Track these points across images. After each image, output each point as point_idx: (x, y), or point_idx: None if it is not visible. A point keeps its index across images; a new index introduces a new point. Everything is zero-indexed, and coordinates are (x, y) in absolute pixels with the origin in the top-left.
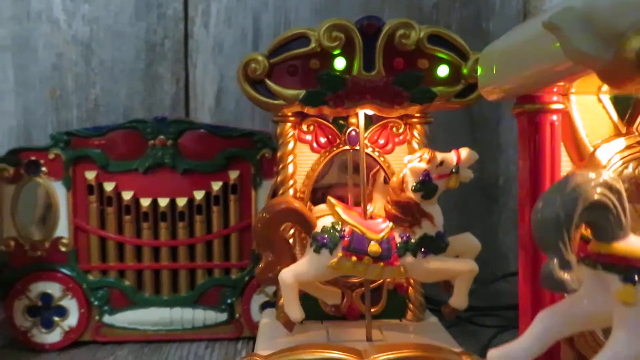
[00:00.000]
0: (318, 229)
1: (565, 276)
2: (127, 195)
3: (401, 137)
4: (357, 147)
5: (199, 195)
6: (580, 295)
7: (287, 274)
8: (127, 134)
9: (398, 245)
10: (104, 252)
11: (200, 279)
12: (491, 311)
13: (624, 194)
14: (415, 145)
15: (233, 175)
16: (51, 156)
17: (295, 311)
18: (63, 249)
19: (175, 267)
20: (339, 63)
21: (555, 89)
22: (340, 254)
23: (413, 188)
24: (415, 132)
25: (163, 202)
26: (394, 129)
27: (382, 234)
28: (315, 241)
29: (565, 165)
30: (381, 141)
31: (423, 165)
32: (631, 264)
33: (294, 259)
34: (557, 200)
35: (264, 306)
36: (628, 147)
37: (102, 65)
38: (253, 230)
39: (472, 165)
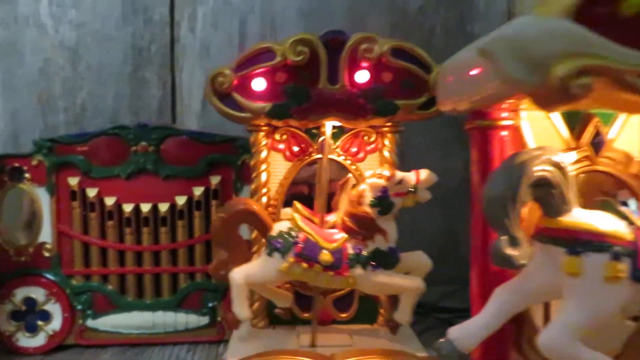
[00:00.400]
0: (274, 232)
1: (513, 252)
2: (109, 201)
3: (373, 146)
4: (330, 156)
5: (181, 200)
6: (531, 270)
7: (238, 274)
8: (109, 140)
9: (350, 256)
10: (87, 257)
11: (183, 283)
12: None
13: (568, 170)
14: (386, 154)
15: (214, 180)
16: (34, 162)
17: (242, 310)
18: (46, 254)
19: (158, 272)
20: (304, 77)
21: (504, 106)
22: (291, 260)
23: (370, 203)
24: (386, 141)
25: (145, 207)
26: (366, 138)
27: (335, 244)
28: (269, 244)
29: None
30: (353, 149)
31: (382, 182)
32: (575, 236)
33: (247, 260)
34: (501, 179)
35: None
36: (577, 161)
37: (89, 69)
38: (211, 228)
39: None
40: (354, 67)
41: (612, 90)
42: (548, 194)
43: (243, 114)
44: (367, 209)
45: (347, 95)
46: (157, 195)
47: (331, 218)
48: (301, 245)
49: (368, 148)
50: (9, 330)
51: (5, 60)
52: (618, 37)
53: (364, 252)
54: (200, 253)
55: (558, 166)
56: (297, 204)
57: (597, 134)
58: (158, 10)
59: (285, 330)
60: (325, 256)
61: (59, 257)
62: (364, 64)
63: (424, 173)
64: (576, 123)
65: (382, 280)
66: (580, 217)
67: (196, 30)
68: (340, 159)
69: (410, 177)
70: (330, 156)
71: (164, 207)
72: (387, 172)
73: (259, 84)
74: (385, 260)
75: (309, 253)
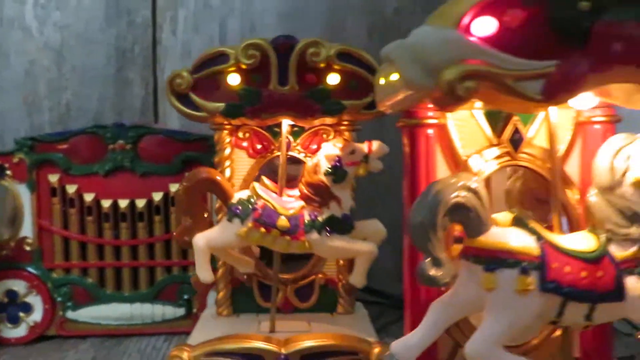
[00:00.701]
0: (234, 200)
1: (436, 273)
2: (88, 197)
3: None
4: (291, 153)
5: (157, 196)
6: (460, 285)
7: (200, 239)
8: (88, 138)
9: (306, 222)
10: (67, 251)
11: (160, 276)
12: None
13: (484, 194)
14: None
15: None
16: (15, 160)
17: (204, 273)
18: (28, 248)
19: (136, 265)
20: (256, 79)
21: (430, 105)
22: (250, 225)
23: (325, 172)
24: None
25: (123, 203)
26: (324, 135)
27: (292, 211)
28: (230, 211)
29: (445, 172)
30: (313, 146)
31: (336, 151)
32: (490, 254)
33: (209, 226)
34: (421, 207)
35: None
36: (498, 157)
37: (74, 70)
38: (175, 196)
39: None
40: (303, 69)
41: (496, 93)
42: (466, 217)
43: (200, 113)
44: (323, 177)
45: (296, 96)
46: (135, 192)
47: (293, 192)
48: (259, 211)
49: None
50: None
51: None
52: (501, 45)
53: (320, 218)
54: (177, 247)
55: (472, 191)
56: (265, 179)
57: (516, 131)
58: (140, 13)
59: (248, 318)
60: (283, 222)
61: (40, 251)
62: (312, 67)
63: (375, 144)
64: (498, 122)
65: (337, 245)
66: (494, 236)
67: (178, 33)
68: (301, 156)
69: (363, 147)
70: (291, 153)
71: (141, 203)
72: (340, 143)
73: (213, 85)
74: (339, 226)
75: (266, 219)
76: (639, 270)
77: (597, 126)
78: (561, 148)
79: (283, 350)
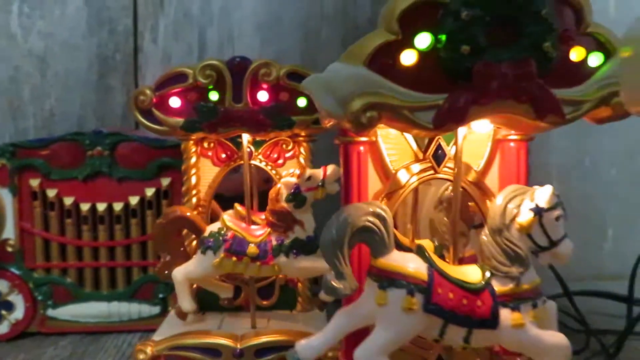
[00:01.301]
0: (206, 233)
1: (339, 285)
2: (68, 201)
3: (291, 153)
4: (253, 162)
5: (133, 200)
6: (362, 298)
7: (179, 272)
8: (67, 145)
9: (274, 247)
10: (47, 252)
11: (136, 276)
12: None
13: (390, 220)
14: (302, 160)
15: (165, 182)
16: None
17: (186, 304)
18: (10, 249)
19: (113, 265)
20: (213, 96)
21: None
22: (222, 255)
23: (286, 199)
24: (302, 149)
25: (101, 206)
26: (284, 146)
27: (260, 238)
28: (202, 244)
29: (377, 185)
30: (274, 156)
31: (294, 180)
32: (386, 274)
33: (187, 259)
34: (332, 227)
35: None
36: (423, 171)
37: (57, 77)
38: (152, 235)
39: None
40: (256, 88)
41: (397, 121)
42: (371, 239)
43: (162, 128)
44: (284, 204)
45: (249, 112)
46: (112, 196)
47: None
48: (230, 241)
49: (287, 155)
50: None
51: None
52: (400, 80)
53: (286, 242)
54: (152, 248)
55: (379, 217)
56: (237, 206)
57: (440, 148)
58: (122, 22)
59: (212, 316)
60: (252, 249)
61: (22, 252)
62: (264, 86)
63: (330, 168)
64: (424, 139)
65: (304, 265)
66: (393, 259)
67: (158, 41)
68: (262, 164)
69: (318, 173)
70: (253, 162)
71: (118, 206)
72: (297, 171)
73: (174, 102)
74: (304, 247)
75: (237, 248)
76: (512, 305)
77: (512, 144)
78: (481, 163)
79: (238, 345)
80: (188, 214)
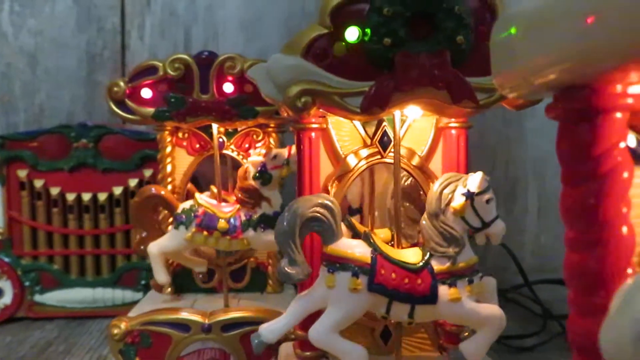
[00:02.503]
0: (179, 210)
1: (292, 270)
2: (54, 191)
3: (261, 143)
4: (225, 151)
5: (117, 190)
6: (317, 283)
7: (153, 247)
8: (54, 137)
9: (242, 222)
10: (34, 239)
11: (120, 263)
12: None
13: (337, 210)
14: None
15: (147, 173)
16: None
17: (161, 276)
18: None
19: (98, 253)
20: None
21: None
22: (194, 230)
23: (253, 177)
24: (271, 140)
25: (86, 196)
26: (255, 136)
27: (229, 214)
28: (175, 220)
29: (328, 169)
30: (245, 146)
31: (260, 158)
32: (334, 259)
33: (161, 235)
34: (284, 219)
35: None
36: (370, 156)
37: (47, 73)
38: (130, 211)
39: None
40: (221, 80)
41: (329, 106)
42: (320, 228)
43: (134, 117)
44: (252, 182)
45: (215, 103)
46: (97, 186)
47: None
48: (201, 217)
49: (257, 145)
50: None
51: None
52: (332, 69)
53: (254, 217)
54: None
55: (326, 207)
56: (213, 187)
57: (385, 134)
58: (110, 20)
59: (187, 297)
60: (222, 224)
61: (10, 240)
62: (230, 78)
63: (294, 148)
64: (371, 126)
65: (270, 239)
66: (340, 245)
67: (145, 39)
68: (234, 154)
69: (283, 152)
70: (225, 152)
71: (102, 196)
72: (263, 150)
73: (146, 93)
74: (271, 222)
75: (208, 223)
76: (449, 282)
77: (453, 131)
78: (424, 149)
79: (207, 321)
80: (162, 192)
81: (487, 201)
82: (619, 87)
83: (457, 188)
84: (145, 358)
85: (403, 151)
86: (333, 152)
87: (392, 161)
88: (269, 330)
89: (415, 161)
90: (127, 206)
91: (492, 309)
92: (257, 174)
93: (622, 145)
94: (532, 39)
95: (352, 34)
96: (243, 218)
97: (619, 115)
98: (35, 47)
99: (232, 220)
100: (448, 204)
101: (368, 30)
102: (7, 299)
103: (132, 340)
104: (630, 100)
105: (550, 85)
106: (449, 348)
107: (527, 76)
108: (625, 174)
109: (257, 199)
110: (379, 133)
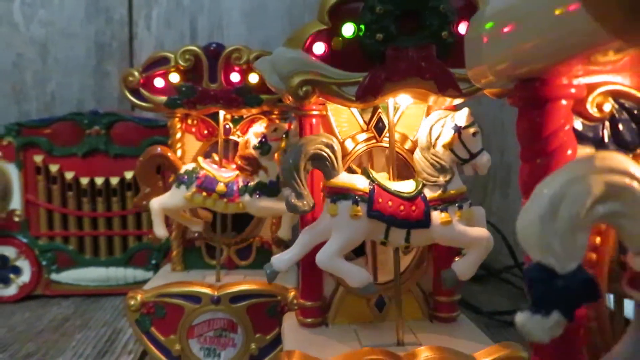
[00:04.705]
0: (181, 170)
1: (297, 202)
2: (69, 175)
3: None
4: (231, 137)
5: (128, 175)
6: (321, 216)
7: (155, 202)
8: (67, 124)
9: (240, 187)
10: (50, 221)
11: (131, 244)
12: None
13: (337, 148)
14: None
15: None
16: (4, 143)
17: (159, 230)
18: (17, 219)
19: (111, 234)
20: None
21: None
22: (194, 190)
23: (254, 146)
24: None
25: (99, 180)
26: (259, 123)
27: (228, 179)
28: (177, 179)
29: None
30: None
31: (262, 129)
32: (335, 191)
33: (163, 192)
34: (290, 154)
35: None
36: (366, 140)
37: (57, 63)
38: (135, 169)
39: None
40: (229, 70)
41: (328, 94)
42: (322, 164)
43: (147, 104)
44: (252, 151)
45: (223, 91)
46: (109, 171)
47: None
48: (201, 179)
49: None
50: None
51: None
52: (330, 61)
53: (251, 184)
54: (146, 218)
55: (328, 146)
56: (215, 155)
57: (380, 121)
58: (118, 11)
59: (196, 273)
60: (221, 187)
61: (27, 222)
62: (236, 68)
63: (294, 123)
64: (367, 113)
65: (264, 205)
66: (341, 178)
67: (152, 29)
68: (239, 139)
69: (284, 126)
70: (231, 137)
71: (114, 180)
72: (265, 123)
73: (158, 82)
74: (267, 189)
75: (207, 185)
76: (441, 207)
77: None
78: (416, 134)
79: (216, 293)
80: (168, 153)
81: (474, 134)
82: (564, 79)
83: (445, 123)
84: (160, 327)
85: (397, 136)
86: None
87: (387, 145)
88: (280, 260)
89: (408, 145)
90: (137, 190)
91: (480, 231)
92: (258, 144)
93: (567, 127)
94: (489, 41)
95: (348, 29)
96: (241, 184)
97: (564, 102)
98: (46, 38)
99: (230, 184)
100: (438, 137)
101: (362, 27)
102: (26, 277)
103: (147, 311)
104: (573, 90)
105: (509, 78)
106: (439, 316)
107: (489, 71)
108: (569, 152)
109: (256, 167)
110: (374, 119)
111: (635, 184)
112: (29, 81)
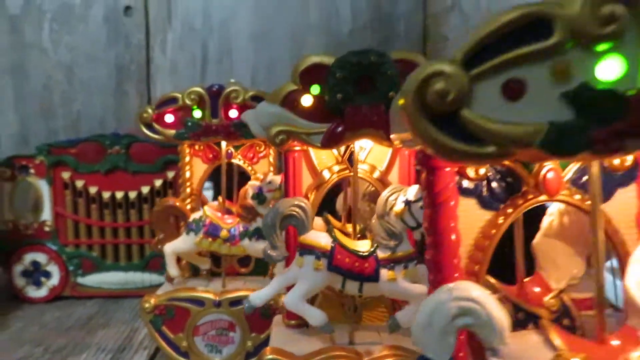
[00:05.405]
0: (190, 219)
1: (272, 253)
2: (92, 190)
3: (263, 153)
4: (233, 160)
5: (145, 189)
6: (292, 264)
7: (168, 247)
8: (91, 145)
9: (240, 232)
10: (77, 231)
11: (148, 251)
12: None
13: (308, 209)
14: (271, 160)
15: (170, 175)
16: (37, 161)
17: (172, 271)
18: (47, 229)
19: (129, 242)
20: (197, 114)
21: None
22: (201, 236)
23: (251, 197)
24: (271, 150)
25: (119, 194)
26: (257, 148)
27: (230, 225)
28: (187, 227)
29: (308, 180)
30: (250, 155)
31: (257, 183)
32: (302, 246)
33: (175, 237)
34: (269, 215)
35: None
36: (340, 171)
37: (82, 84)
38: (150, 218)
39: None
40: (228, 107)
41: (299, 141)
42: (295, 222)
43: (159, 137)
44: (250, 201)
45: (223, 126)
46: (128, 186)
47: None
48: (207, 226)
49: (260, 155)
50: (20, 285)
51: (16, 78)
52: (301, 115)
53: (250, 229)
54: (149, 228)
55: (300, 207)
56: (219, 198)
57: (352, 154)
58: (136, 36)
59: (202, 279)
60: (224, 233)
61: (57, 231)
62: (234, 105)
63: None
64: (342, 148)
65: (262, 247)
66: (309, 236)
67: (167, 52)
68: (241, 162)
69: (277, 179)
70: (233, 161)
71: (133, 194)
72: (260, 176)
73: (169, 118)
74: (263, 234)
75: (212, 231)
76: (389, 266)
77: (406, 152)
78: (384, 165)
79: (217, 298)
80: (178, 203)
81: (421, 207)
82: None
83: (399, 196)
84: (170, 326)
85: (367, 167)
86: (312, 168)
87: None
88: (256, 297)
89: (376, 175)
90: (153, 203)
91: (420, 288)
92: (254, 195)
93: (451, 185)
94: (394, 116)
95: (315, 90)
96: (241, 229)
97: (448, 169)
98: (72, 61)
99: (232, 230)
100: (391, 208)
101: (326, 88)
102: (55, 280)
103: (159, 312)
104: None
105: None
106: None
107: (398, 139)
108: (452, 203)
109: (253, 215)
110: (347, 153)
111: (477, 305)
112: (57, 101)
